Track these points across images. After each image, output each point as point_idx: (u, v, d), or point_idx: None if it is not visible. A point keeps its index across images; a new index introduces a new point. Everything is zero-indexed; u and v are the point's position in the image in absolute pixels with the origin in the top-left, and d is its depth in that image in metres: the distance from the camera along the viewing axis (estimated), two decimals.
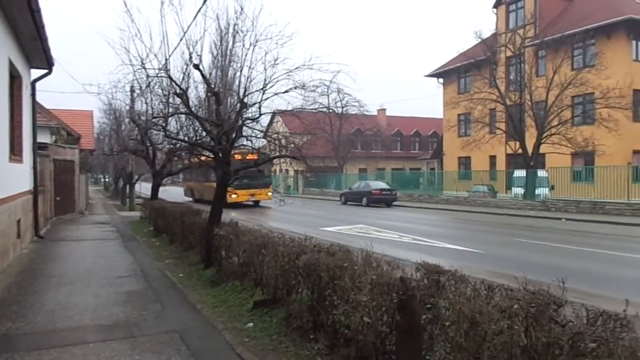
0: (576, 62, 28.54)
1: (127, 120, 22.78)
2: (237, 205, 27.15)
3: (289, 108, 9.79)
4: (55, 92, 36.45)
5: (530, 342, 2.65)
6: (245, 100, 8.62)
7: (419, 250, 11.45)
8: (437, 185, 36.08)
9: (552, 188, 25.03)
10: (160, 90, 11.71)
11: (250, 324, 5.48)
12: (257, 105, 8.71)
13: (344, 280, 4.19)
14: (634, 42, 27.83)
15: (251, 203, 29.52)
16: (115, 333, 5.30)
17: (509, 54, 30.89)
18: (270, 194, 29.26)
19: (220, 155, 8.72)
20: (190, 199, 32.72)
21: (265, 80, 8.31)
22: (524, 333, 2.69)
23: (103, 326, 5.56)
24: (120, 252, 11.27)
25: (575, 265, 9.77)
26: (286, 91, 8.54)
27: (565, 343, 2.52)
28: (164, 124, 11.25)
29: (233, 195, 26.70)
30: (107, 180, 59.57)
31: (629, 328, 2.48)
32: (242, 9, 8.57)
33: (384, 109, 56.44)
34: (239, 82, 8.85)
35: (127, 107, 21.21)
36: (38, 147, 13.75)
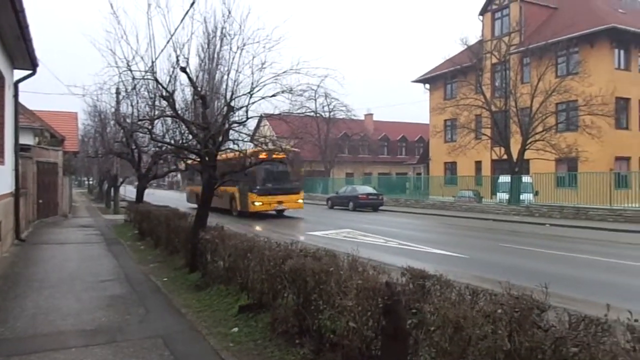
0: (560, 69, 28.98)
1: (112, 122, 22.56)
2: (255, 215, 23.40)
3: (276, 112, 9.76)
4: (39, 93, 35.90)
5: (513, 346, 2.68)
6: (232, 103, 8.60)
7: (405, 254, 11.49)
8: (423, 190, 36.30)
9: (536, 194, 25.33)
10: (146, 93, 11.61)
11: (235, 329, 5.44)
12: (244, 108, 8.72)
13: (330, 285, 4.19)
14: (616, 51, 28.36)
15: (274, 212, 24.22)
16: (98, 338, 5.23)
17: (494, 60, 31.26)
18: (301, 201, 24.69)
19: (207, 158, 8.68)
20: (195, 205, 28.50)
21: (252, 84, 8.32)
22: (507, 338, 2.71)
23: (86, 331, 5.48)
24: (104, 256, 11.12)
25: (558, 270, 9.89)
26: (273, 95, 8.55)
27: (548, 347, 2.55)
28: (149, 127, 11.16)
29: (256, 203, 22.93)
30: (91, 182, 58.90)
31: (610, 333, 2.51)
32: (229, 12, 8.54)
33: (371, 114, 56.84)
34: (226, 85, 8.82)
35: (113, 109, 21.01)
36: (20, 149, 13.55)
